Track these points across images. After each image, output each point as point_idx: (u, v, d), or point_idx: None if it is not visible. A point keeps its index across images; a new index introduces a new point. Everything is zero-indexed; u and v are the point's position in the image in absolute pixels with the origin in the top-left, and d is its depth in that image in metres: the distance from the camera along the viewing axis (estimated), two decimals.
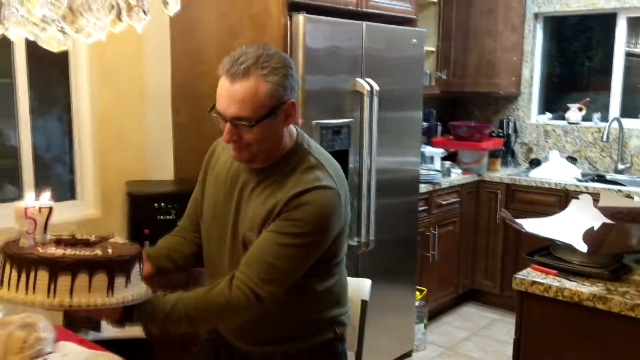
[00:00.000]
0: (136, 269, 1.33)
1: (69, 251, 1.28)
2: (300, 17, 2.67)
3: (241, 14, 2.82)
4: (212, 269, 1.69)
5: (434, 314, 4.06)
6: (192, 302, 1.45)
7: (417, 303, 3.62)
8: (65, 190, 3.02)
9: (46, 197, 1.39)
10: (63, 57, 2.93)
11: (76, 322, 1.47)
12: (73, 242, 1.34)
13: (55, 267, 1.21)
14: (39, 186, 2.87)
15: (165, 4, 1.32)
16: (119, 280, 1.27)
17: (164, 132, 3.22)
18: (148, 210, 2.77)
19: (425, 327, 3.73)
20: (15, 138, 2.99)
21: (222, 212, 1.63)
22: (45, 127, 2.96)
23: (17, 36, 1.20)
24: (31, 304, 1.23)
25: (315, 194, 1.45)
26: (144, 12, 1.22)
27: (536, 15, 4.60)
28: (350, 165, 2.98)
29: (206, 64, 3.04)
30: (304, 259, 1.48)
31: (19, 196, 2.88)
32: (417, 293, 3.63)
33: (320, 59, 2.76)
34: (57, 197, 2.94)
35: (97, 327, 1.71)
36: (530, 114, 4.73)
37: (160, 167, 3.20)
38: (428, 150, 4.12)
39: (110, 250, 1.32)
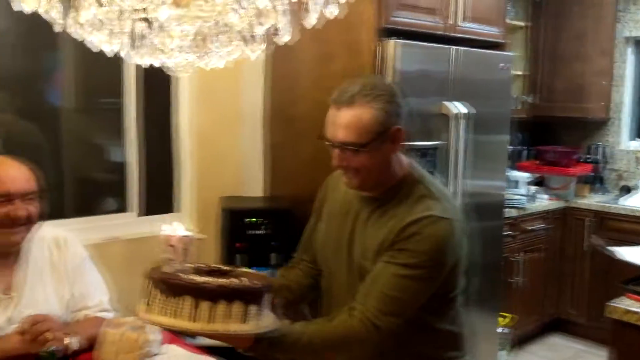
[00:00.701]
0: (266, 298, 1.38)
1: (209, 279, 1.33)
2: (392, 42, 2.76)
3: (336, 40, 2.93)
4: (330, 298, 1.73)
5: (518, 342, 3.98)
6: (315, 332, 1.49)
7: (500, 330, 3.56)
8: (166, 204, 3.21)
9: (182, 226, 1.50)
10: (166, 79, 3.16)
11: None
12: (210, 271, 1.41)
13: (199, 294, 1.27)
14: (142, 200, 3.08)
15: (275, 34, 1.42)
16: (253, 309, 1.32)
17: (256, 152, 3.37)
18: (241, 225, 2.91)
19: (509, 354, 3.66)
20: (119, 154, 3.23)
21: (336, 242, 1.67)
22: (149, 145, 3.16)
23: (147, 63, 1.34)
24: (175, 328, 1.30)
25: (427, 223, 1.47)
26: (263, 42, 1.33)
27: (627, 39, 4.47)
28: None
29: (300, 88, 3.18)
30: (421, 291, 1.50)
31: (119, 209, 3.10)
32: (501, 319, 3.57)
33: (410, 82, 2.83)
34: (157, 210, 3.15)
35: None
36: (620, 139, 4.58)
37: (251, 185, 3.35)
38: (513, 174, 4.08)
39: (244, 280, 1.38)
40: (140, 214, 3.05)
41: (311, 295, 1.80)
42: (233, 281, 1.34)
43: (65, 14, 1.24)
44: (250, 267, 2.87)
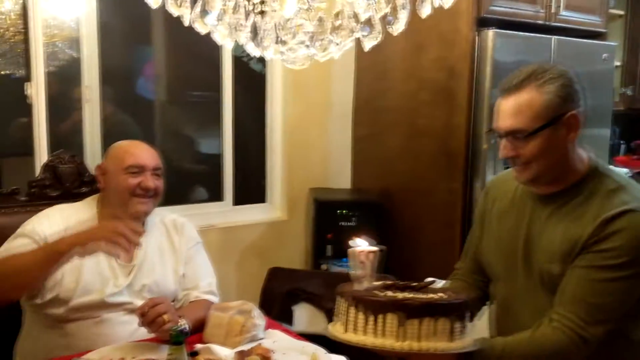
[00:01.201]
0: (468, 313, 1.30)
1: (409, 295, 1.28)
2: (490, 33, 2.70)
3: (429, 31, 2.90)
4: (505, 305, 1.62)
5: None
6: (517, 346, 1.39)
7: None
8: (257, 194, 3.29)
9: (370, 242, 1.40)
10: (260, 73, 3.23)
11: None
12: (402, 287, 1.35)
13: (404, 311, 1.22)
14: (236, 190, 3.16)
15: (390, 24, 1.41)
16: (457, 325, 1.25)
17: (344, 144, 3.39)
18: (332, 216, 2.94)
19: None
20: (210, 145, 3.33)
21: (509, 246, 1.56)
22: (242, 137, 3.24)
23: (268, 56, 1.37)
24: (381, 348, 1.23)
25: (626, 218, 1.34)
26: (379, 32, 1.33)
27: None
28: None
29: (389, 80, 3.17)
30: (628, 292, 1.36)
31: (213, 198, 3.20)
32: None
33: (508, 74, 2.75)
34: (250, 200, 3.24)
35: None
36: None
37: (338, 176, 3.37)
38: None
39: (443, 295, 1.31)
40: (234, 203, 3.13)
41: (479, 307, 1.69)
42: (433, 297, 1.28)
43: (192, 8, 1.28)
44: (341, 259, 2.92)
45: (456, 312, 1.24)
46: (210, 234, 2.91)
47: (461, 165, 2.80)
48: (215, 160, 3.20)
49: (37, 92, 2.53)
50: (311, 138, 3.26)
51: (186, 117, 3.33)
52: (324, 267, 2.96)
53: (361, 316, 1.24)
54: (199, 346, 1.69)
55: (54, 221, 1.89)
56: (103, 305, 1.83)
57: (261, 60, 3.21)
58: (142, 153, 1.95)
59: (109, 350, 1.72)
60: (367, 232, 2.91)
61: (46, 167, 2.23)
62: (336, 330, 1.29)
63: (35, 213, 1.98)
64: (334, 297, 2.28)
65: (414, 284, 1.35)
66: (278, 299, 2.56)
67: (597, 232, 1.35)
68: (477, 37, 2.73)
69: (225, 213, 3.04)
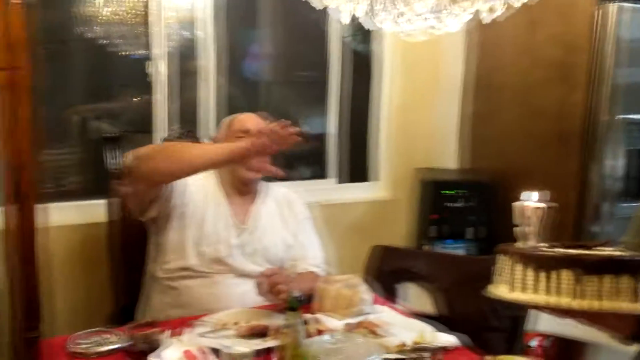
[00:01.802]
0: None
1: (584, 251, 1.16)
2: (615, 6, 2.53)
3: (544, 6, 2.74)
4: None
5: None
6: None
7: None
8: (361, 173, 3.30)
9: (536, 197, 1.28)
10: (368, 51, 3.22)
11: None
12: (571, 247, 1.20)
13: (581, 267, 1.10)
14: (341, 168, 3.20)
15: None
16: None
17: (451, 123, 3.32)
18: (438, 197, 2.90)
19: None
20: (314, 124, 3.38)
21: None
22: (348, 115, 3.25)
23: (387, 29, 1.36)
24: (555, 306, 1.13)
25: None
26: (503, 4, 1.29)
27: None
28: None
29: (501, 57, 3.06)
30: None
31: (319, 176, 3.26)
32: None
33: (633, 51, 2.58)
34: (355, 178, 3.26)
35: None
36: None
37: (445, 156, 3.31)
38: None
39: (624, 253, 1.18)
40: (339, 181, 3.17)
41: None
42: (613, 253, 1.15)
43: None
44: (444, 240, 2.88)
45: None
46: (314, 211, 2.96)
47: (577, 147, 2.67)
48: (320, 139, 3.24)
49: (157, 70, 2.67)
50: (417, 117, 3.22)
51: (291, 97, 3.39)
52: (426, 248, 2.93)
53: (530, 273, 1.13)
54: (307, 316, 1.74)
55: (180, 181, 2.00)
56: (216, 263, 1.96)
57: (366, 40, 3.22)
58: (248, 119, 2.07)
59: (223, 315, 1.81)
60: (475, 214, 2.88)
61: (165, 141, 2.36)
62: (500, 290, 1.18)
63: None
64: (440, 278, 2.26)
65: (588, 243, 1.22)
66: (382, 277, 2.57)
67: None
68: (598, 12, 2.57)
69: (329, 191, 3.08)
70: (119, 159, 2.28)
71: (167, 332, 1.62)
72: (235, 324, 1.75)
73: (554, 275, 1.10)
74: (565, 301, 1.09)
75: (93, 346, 1.59)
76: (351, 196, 3.15)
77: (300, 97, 3.37)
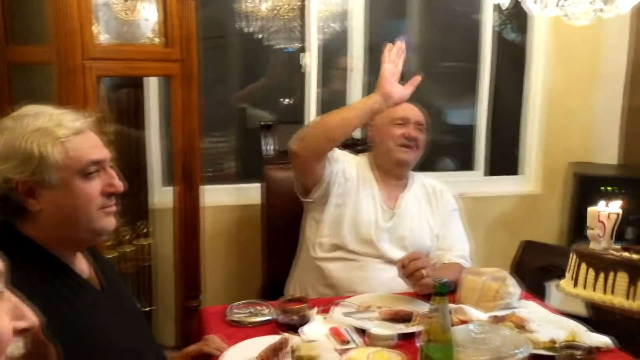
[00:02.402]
0: None
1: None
2: None
3: None
4: None
5: None
6: None
7: None
8: (510, 166, 3.20)
9: (616, 204, 1.43)
10: (519, 41, 3.10)
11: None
12: (626, 248, 1.37)
13: (635, 270, 1.24)
14: (488, 160, 3.12)
15: None
16: None
17: (612, 115, 3.10)
18: (594, 193, 2.72)
19: None
20: (462, 116, 3.31)
21: None
22: (497, 106, 3.16)
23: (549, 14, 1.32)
24: (609, 304, 1.29)
25: None
26: None
27: None
28: None
29: None
30: None
31: (457, 168, 3.21)
32: None
33: None
34: (502, 171, 3.16)
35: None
36: None
37: (603, 150, 3.10)
38: None
39: None
40: (485, 174, 3.10)
41: None
42: None
43: None
44: None
45: None
46: (460, 203, 2.92)
47: None
48: (465, 131, 3.18)
49: (311, 62, 2.78)
50: (573, 109, 3.04)
51: (438, 88, 3.35)
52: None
53: (591, 272, 1.28)
54: (452, 306, 1.72)
55: (346, 154, 2.19)
56: (367, 245, 2.03)
57: (517, 29, 3.10)
58: (407, 108, 2.13)
59: (368, 297, 1.86)
60: (635, 213, 2.66)
61: None
62: (566, 284, 1.36)
63: None
64: None
65: None
66: (530, 273, 2.48)
67: None
68: None
69: (476, 183, 3.02)
70: (273, 146, 2.42)
71: (315, 309, 1.71)
72: (379, 307, 1.79)
73: (611, 275, 1.25)
74: (617, 301, 1.23)
75: (248, 316, 1.71)
76: (499, 189, 3.06)
77: (447, 88, 3.33)
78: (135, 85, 2.35)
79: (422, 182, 2.22)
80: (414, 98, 2.05)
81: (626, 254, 1.30)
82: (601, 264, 1.27)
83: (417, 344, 1.46)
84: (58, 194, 1.18)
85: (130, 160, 2.25)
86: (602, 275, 1.26)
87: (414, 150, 2.12)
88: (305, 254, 2.13)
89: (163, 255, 2.47)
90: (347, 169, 2.12)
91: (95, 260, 1.36)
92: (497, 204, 3.00)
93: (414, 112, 2.15)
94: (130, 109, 2.32)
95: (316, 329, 1.63)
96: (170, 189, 2.33)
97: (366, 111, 1.98)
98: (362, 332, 1.62)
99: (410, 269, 1.77)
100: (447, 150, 3.28)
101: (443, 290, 1.30)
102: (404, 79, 2.01)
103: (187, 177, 2.16)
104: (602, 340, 1.59)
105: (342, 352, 1.50)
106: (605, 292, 1.26)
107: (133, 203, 2.26)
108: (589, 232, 1.40)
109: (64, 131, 1.18)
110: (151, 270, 2.41)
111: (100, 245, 1.53)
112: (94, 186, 1.21)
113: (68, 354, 1.12)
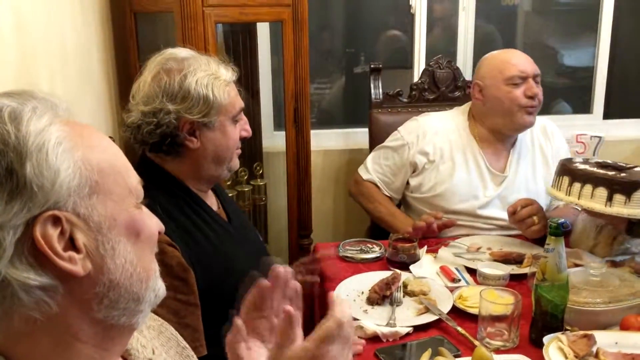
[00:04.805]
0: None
1: (605, 171, 1.58)
2: None
3: None
4: None
5: None
6: None
7: None
8: (629, 109, 3.01)
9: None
10: None
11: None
12: (604, 165, 1.63)
13: (608, 184, 1.52)
14: (607, 103, 2.95)
15: None
16: (620, 197, 1.50)
17: None
18: None
19: None
20: (578, 57, 3.13)
21: None
22: (620, 45, 2.96)
23: None
24: (590, 209, 1.56)
25: None
26: None
27: None
28: None
29: None
30: None
31: (573, 111, 3.05)
32: None
33: None
34: (619, 114, 2.99)
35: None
36: None
37: None
38: None
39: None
40: (604, 117, 2.94)
41: None
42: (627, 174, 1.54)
43: None
44: None
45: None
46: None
47: None
48: (583, 72, 3.02)
49: (420, 3, 2.72)
50: None
51: (552, 27, 3.18)
52: None
53: (577, 185, 1.58)
54: (567, 250, 1.69)
55: (420, 126, 2.05)
56: (474, 216, 1.95)
57: None
58: (521, 60, 1.92)
59: (478, 239, 1.87)
60: None
61: (425, 71, 2.43)
62: (554, 192, 1.66)
63: (414, 114, 2.20)
64: None
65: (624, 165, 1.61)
66: None
67: None
68: None
69: (594, 126, 2.86)
70: (380, 89, 2.42)
71: (425, 248, 1.74)
72: (489, 249, 1.79)
73: (587, 187, 1.56)
74: (597, 207, 1.53)
75: (359, 253, 1.78)
76: (618, 133, 2.89)
77: (564, 27, 3.15)
78: (248, 31, 2.43)
79: (531, 130, 2.01)
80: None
81: (600, 170, 1.58)
82: (580, 178, 1.57)
83: (529, 285, 1.47)
84: (216, 134, 1.31)
85: (247, 105, 2.34)
86: (578, 185, 1.57)
87: (535, 113, 1.92)
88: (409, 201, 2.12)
89: (275, 195, 2.58)
90: (434, 144, 1.98)
91: (220, 197, 1.48)
92: (617, 148, 2.84)
93: (530, 64, 1.91)
94: (244, 55, 2.40)
95: (426, 267, 1.68)
96: (281, 133, 2.42)
97: (390, 228, 1.97)
98: (472, 272, 1.64)
99: (521, 215, 1.75)
100: (562, 93, 3.13)
101: (559, 230, 1.28)
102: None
103: (298, 121, 2.23)
104: None
105: (452, 289, 1.53)
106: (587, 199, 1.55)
107: (249, 146, 2.37)
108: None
109: (226, 78, 1.32)
110: (266, 209, 2.54)
111: (222, 183, 1.64)
112: (237, 130, 1.36)
113: (201, 277, 1.23)
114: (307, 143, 2.27)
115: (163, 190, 1.28)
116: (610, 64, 2.91)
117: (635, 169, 1.61)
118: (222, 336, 0.87)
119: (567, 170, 1.64)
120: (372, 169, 2.12)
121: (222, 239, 1.34)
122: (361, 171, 2.16)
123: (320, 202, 2.59)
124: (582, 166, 1.64)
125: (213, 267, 1.26)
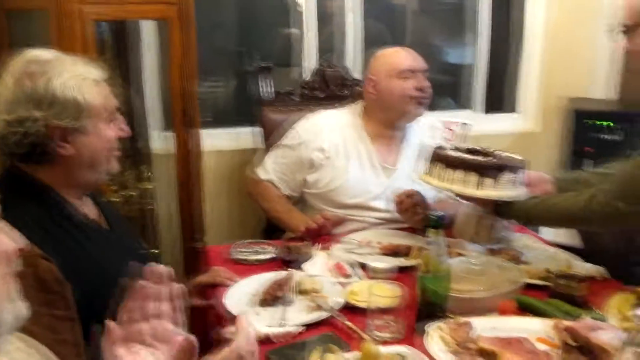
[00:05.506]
0: (507, 176, 1.62)
1: (474, 157, 1.67)
2: None
3: None
4: None
5: None
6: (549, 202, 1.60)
7: None
8: (506, 103, 3.20)
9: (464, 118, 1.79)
10: None
11: None
12: (474, 151, 1.72)
13: (470, 167, 1.62)
14: (484, 98, 3.12)
15: None
16: (488, 181, 1.61)
17: (612, 50, 3.07)
18: (592, 129, 2.74)
19: None
20: (453, 55, 3.29)
21: None
22: (493, 43, 3.13)
23: None
24: (447, 190, 1.69)
25: None
26: None
27: None
28: None
29: None
30: None
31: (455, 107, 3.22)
32: None
33: None
34: (497, 108, 3.17)
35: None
36: None
37: (604, 87, 3.08)
38: None
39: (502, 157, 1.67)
40: (483, 112, 3.11)
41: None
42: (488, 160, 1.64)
43: None
44: None
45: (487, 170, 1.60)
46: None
47: None
48: (463, 69, 3.17)
49: (307, 3, 2.74)
50: (575, 45, 3.00)
51: (434, 25, 3.32)
52: None
53: (440, 168, 1.67)
54: (450, 240, 1.77)
55: (315, 124, 2.09)
56: (367, 209, 2.01)
57: None
58: (410, 56, 2.04)
59: (369, 233, 1.92)
60: (631, 148, 2.69)
61: (315, 70, 2.46)
62: (421, 175, 1.76)
63: (306, 112, 2.22)
64: None
65: (488, 150, 1.71)
66: None
67: None
68: None
69: (474, 121, 3.01)
70: (270, 89, 2.42)
71: (317, 246, 1.76)
72: (379, 242, 1.84)
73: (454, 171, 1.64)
74: (456, 188, 1.63)
75: (253, 254, 1.76)
76: (497, 127, 3.07)
77: (445, 26, 3.30)
78: (131, 29, 2.34)
79: (420, 124, 2.13)
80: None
81: (461, 154, 1.68)
82: (445, 161, 1.66)
83: (416, 276, 1.53)
84: (90, 138, 1.24)
85: (130, 106, 2.26)
86: (449, 170, 1.65)
87: (425, 103, 2.03)
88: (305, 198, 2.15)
89: (166, 199, 2.51)
90: (326, 141, 2.04)
91: (98, 203, 1.41)
92: (494, 143, 3.00)
93: (418, 60, 2.03)
94: (128, 54, 2.31)
95: (319, 265, 1.69)
96: (170, 133, 2.35)
97: (287, 227, 1.97)
98: (363, 266, 1.68)
99: (405, 205, 1.82)
100: (447, 89, 3.27)
101: (438, 223, 1.34)
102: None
103: (186, 121, 2.18)
104: (595, 269, 1.65)
105: (344, 285, 1.56)
106: (449, 182, 1.65)
107: (135, 149, 2.29)
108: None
109: (96, 78, 1.25)
110: (154, 214, 2.46)
111: (106, 189, 1.58)
112: (113, 130, 1.30)
113: (79, 289, 1.17)
114: (197, 144, 2.23)
115: (35, 202, 1.20)
116: (491, 61, 3.08)
117: (501, 153, 1.71)
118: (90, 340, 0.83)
119: (439, 157, 1.70)
120: (270, 169, 2.12)
121: (101, 247, 1.28)
122: (259, 171, 2.15)
123: (213, 204, 2.55)
124: (453, 153, 1.71)
125: (91, 277, 1.20)
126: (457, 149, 1.75)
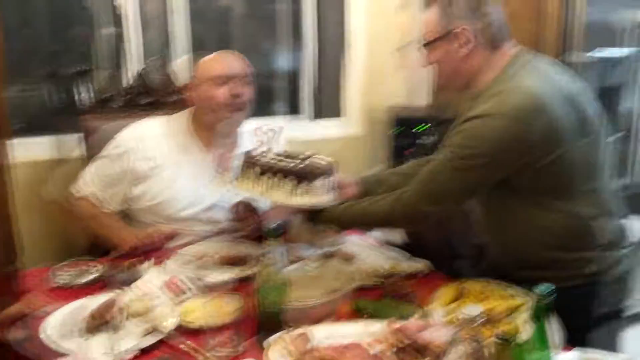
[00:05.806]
0: (320, 182, 1.61)
1: (279, 162, 1.64)
2: None
3: None
4: None
5: None
6: (356, 207, 1.67)
7: None
8: (333, 109, 3.30)
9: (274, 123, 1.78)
10: None
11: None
12: (286, 156, 1.70)
13: (273, 172, 1.60)
14: (313, 104, 3.19)
15: None
16: (302, 186, 1.58)
17: None
18: (410, 133, 2.94)
19: None
20: (282, 60, 3.34)
21: None
22: (320, 51, 3.22)
23: None
24: (256, 196, 1.69)
25: (468, 123, 1.50)
26: None
27: None
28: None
29: None
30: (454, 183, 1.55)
31: (286, 112, 3.27)
32: None
33: None
34: (325, 114, 3.26)
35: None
36: None
37: (421, 94, 3.30)
38: None
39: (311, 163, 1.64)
40: (312, 118, 3.18)
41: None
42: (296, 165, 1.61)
43: None
44: None
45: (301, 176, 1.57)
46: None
47: None
48: (294, 75, 3.21)
49: (127, 2, 2.59)
50: (391, 51, 3.19)
51: (262, 30, 3.33)
52: None
53: (248, 173, 1.65)
54: (289, 245, 1.77)
55: (140, 132, 1.98)
56: (201, 221, 1.94)
57: None
58: (226, 61, 1.96)
59: (204, 245, 1.86)
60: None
61: (138, 74, 2.33)
62: (233, 181, 1.72)
63: (132, 119, 2.08)
64: None
65: (298, 154, 1.67)
66: None
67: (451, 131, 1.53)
68: None
69: (303, 127, 3.09)
70: (89, 94, 2.25)
71: (149, 262, 1.66)
72: (216, 253, 1.79)
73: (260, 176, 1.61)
74: (261, 193, 1.61)
75: (75, 277, 1.61)
76: (325, 132, 3.16)
77: (274, 31, 3.32)
78: None
79: (251, 131, 2.02)
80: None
81: (282, 162, 1.62)
82: (262, 169, 1.62)
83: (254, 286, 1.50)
84: None
85: None
86: (265, 177, 1.61)
87: (243, 110, 1.97)
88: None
89: None
90: (149, 152, 1.94)
91: None
92: (323, 148, 3.08)
93: (234, 66, 1.95)
94: None
95: (153, 282, 1.59)
96: None
97: (114, 245, 1.84)
98: (200, 280, 1.61)
99: (240, 214, 1.80)
100: (278, 95, 3.29)
101: (272, 233, 1.33)
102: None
103: None
104: (421, 264, 1.76)
105: (179, 303, 1.49)
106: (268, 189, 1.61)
107: None
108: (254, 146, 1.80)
109: None
110: None
111: None
112: None
113: None
114: (4, 155, 1.99)
115: None
116: (320, 68, 3.16)
117: (313, 158, 1.68)
118: None
119: (252, 164, 1.66)
120: (90, 183, 1.97)
121: None
122: (74, 189, 1.98)
123: (29, 221, 2.29)
124: (265, 159, 1.66)
125: None
126: (269, 154, 1.71)
